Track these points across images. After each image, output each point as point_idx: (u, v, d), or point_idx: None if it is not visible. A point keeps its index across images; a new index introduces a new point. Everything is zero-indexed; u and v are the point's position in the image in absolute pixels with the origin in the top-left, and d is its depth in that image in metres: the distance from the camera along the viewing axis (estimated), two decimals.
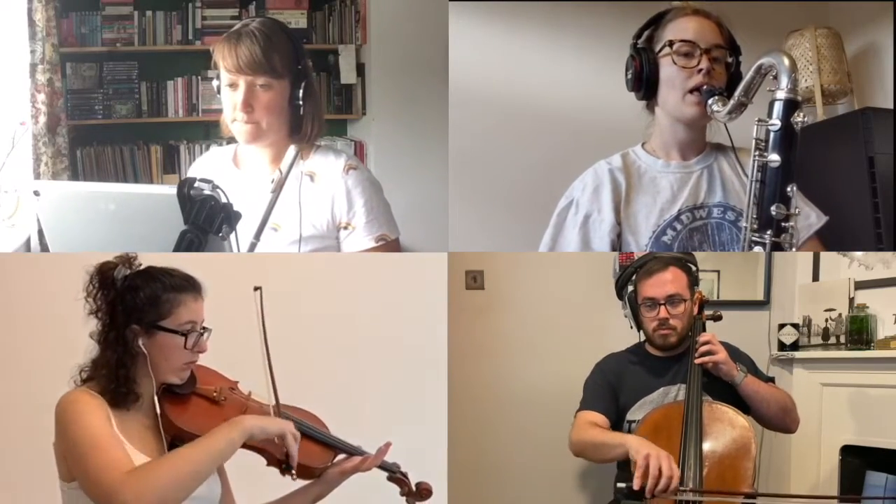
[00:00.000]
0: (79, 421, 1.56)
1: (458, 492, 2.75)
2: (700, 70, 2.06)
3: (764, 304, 3.21)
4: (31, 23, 3.44)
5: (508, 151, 3.16)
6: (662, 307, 2.34)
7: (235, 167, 2.32)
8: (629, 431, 2.28)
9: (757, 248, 1.89)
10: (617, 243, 2.16)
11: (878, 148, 2.74)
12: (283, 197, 2.21)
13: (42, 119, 3.49)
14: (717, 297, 3.16)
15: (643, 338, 2.45)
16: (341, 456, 1.83)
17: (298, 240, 2.22)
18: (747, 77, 1.92)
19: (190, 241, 1.74)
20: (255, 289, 1.71)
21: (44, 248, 2.61)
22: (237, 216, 1.80)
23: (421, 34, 3.86)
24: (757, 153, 1.86)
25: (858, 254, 2.95)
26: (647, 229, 2.13)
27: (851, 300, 2.98)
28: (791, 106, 1.82)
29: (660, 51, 2.12)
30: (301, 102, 2.20)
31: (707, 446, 2.08)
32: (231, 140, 2.32)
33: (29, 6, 3.43)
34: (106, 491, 1.49)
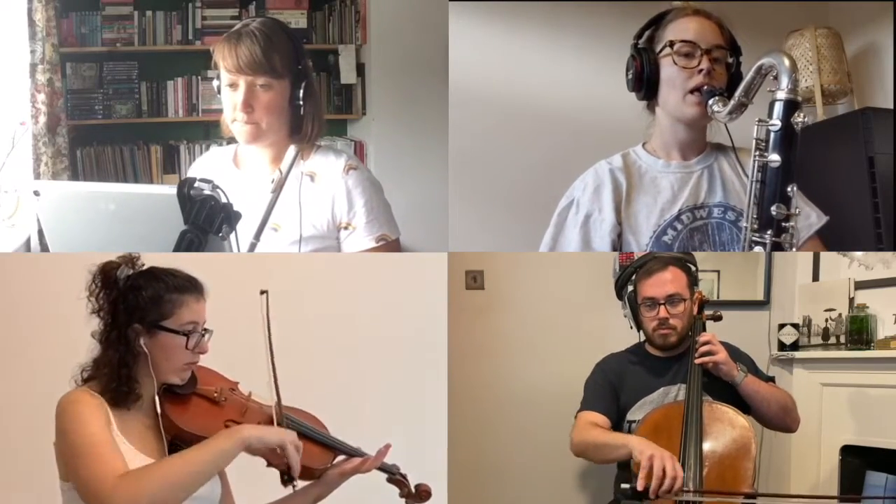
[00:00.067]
0: (75, 422, 1.56)
1: (458, 492, 2.75)
2: (700, 70, 2.06)
3: (764, 304, 3.21)
4: (31, 23, 3.44)
5: (508, 151, 3.16)
6: (662, 307, 2.34)
7: (236, 167, 2.32)
8: (629, 431, 2.28)
9: (757, 248, 1.89)
10: (617, 243, 2.16)
11: (878, 148, 2.74)
12: (283, 197, 2.20)
13: (42, 119, 3.49)
14: (717, 297, 3.16)
15: (643, 338, 2.45)
16: (341, 457, 1.83)
17: (299, 240, 2.22)
18: (748, 77, 1.92)
19: (190, 241, 1.74)
20: (262, 292, 1.70)
21: (44, 248, 2.61)
22: (237, 216, 1.80)
23: (421, 34, 3.86)
24: (757, 153, 1.87)
25: (858, 254, 2.95)
26: (648, 229, 2.13)
27: (851, 300, 2.98)
28: (791, 106, 1.82)
29: (660, 51, 2.12)
30: (301, 102, 2.20)
31: (707, 446, 2.08)
32: (231, 140, 2.32)
33: (29, 6, 3.43)
34: (97, 494, 1.50)
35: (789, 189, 1.85)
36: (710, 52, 2.08)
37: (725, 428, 2.12)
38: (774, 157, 1.84)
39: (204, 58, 3.94)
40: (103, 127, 4.06)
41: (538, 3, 3.17)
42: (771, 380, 2.41)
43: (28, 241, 3.38)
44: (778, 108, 1.83)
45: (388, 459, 1.84)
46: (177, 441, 1.68)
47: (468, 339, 3.09)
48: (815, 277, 3.15)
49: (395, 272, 2.54)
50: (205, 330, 1.70)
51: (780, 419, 2.31)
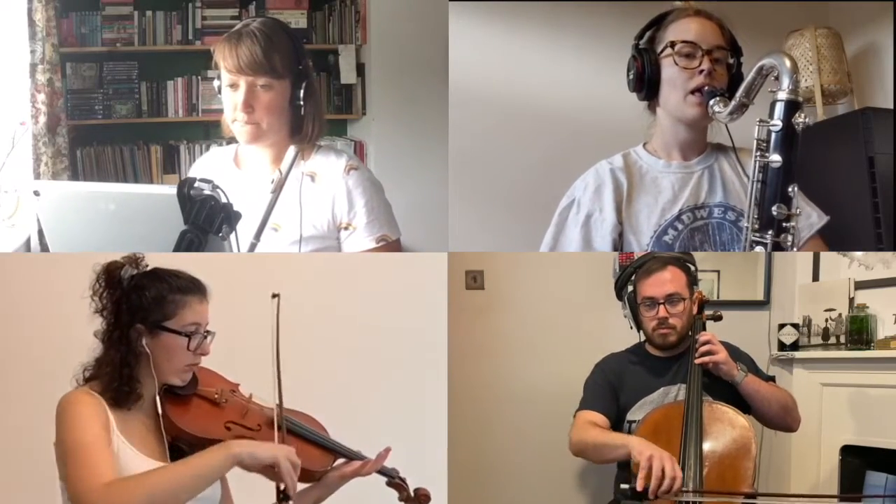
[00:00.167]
0: (71, 424, 1.57)
1: (458, 492, 2.75)
2: (701, 71, 2.06)
3: (764, 304, 3.21)
4: (31, 23, 3.44)
5: (508, 151, 3.16)
6: (661, 306, 2.34)
7: (236, 167, 2.32)
8: (629, 431, 2.29)
9: (758, 248, 1.89)
10: (618, 243, 2.16)
11: (878, 148, 2.74)
12: (283, 197, 2.20)
13: (42, 119, 3.49)
14: (717, 297, 3.16)
15: (643, 338, 2.45)
16: (341, 460, 1.83)
17: (299, 240, 2.22)
18: (748, 78, 1.93)
19: (190, 241, 1.74)
20: (274, 296, 1.70)
21: (44, 248, 2.62)
22: (237, 216, 1.80)
23: (421, 34, 3.86)
24: (758, 153, 1.87)
25: (858, 254, 2.95)
26: (649, 229, 2.14)
27: (851, 300, 2.98)
28: (792, 107, 1.82)
29: (661, 51, 2.12)
30: (302, 103, 2.20)
31: (707, 446, 2.08)
32: (232, 140, 2.32)
33: (29, 6, 3.43)
34: (81, 499, 1.51)
35: (790, 189, 1.85)
36: (711, 53, 2.08)
37: (725, 428, 2.12)
38: (775, 158, 1.84)
39: (204, 58, 3.94)
40: (103, 127, 4.07)
41: (538, 3, 3.17)
42: (771, 379, 2.41)
43: (28, 241, 3.38)
44: (779, 108, 1.83)
45: (388, 462, 1.84)
46: (177, 442, 1.69)
47: (468, 339, 3.09)
48: (815, 277, 3.15)
49: (395, 272, 2.54)
50: (207, 332, 1.70)
51: (781, 419, 2.31)
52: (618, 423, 2.36)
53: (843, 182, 2.75)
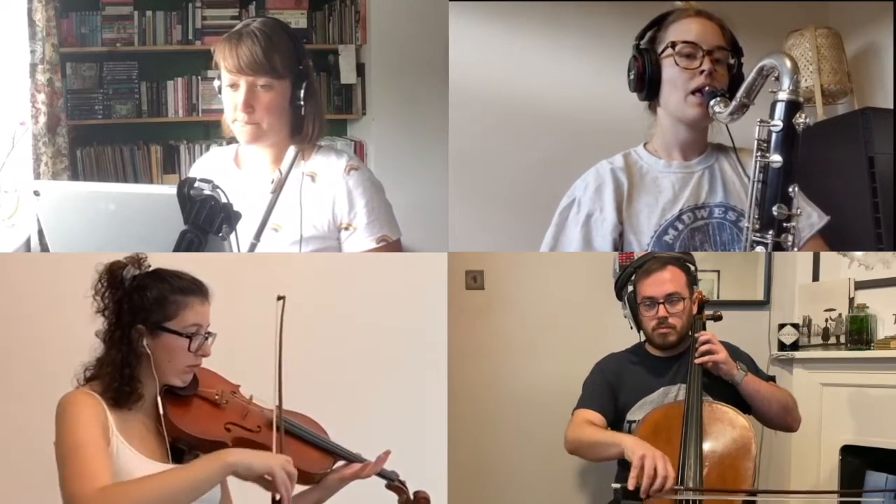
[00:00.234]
0: (68, 425, 1.57)
1: (458, 492, 2.75)
2: (702, 71, 2.06)
3: (764, 304, 3.21)
4: (31, 23, 3.44)
5: (508, 151, 3.16)
6: (661, 306, 2.34)
7: (237, 167, 2.32)
8: (629, 431, 2.29)
9: (759, 248, 1.89)
10: (619, 242, 2.16)
11: (878, 148, 2.74)
12: (283, 197, 2.20)
13: (42, 119, 3.49)
14: (717, 297, 3.16)
15: (643, 338, 2.45)
16: (340, 462, 1.83)
17: (299, 240, 2.22)
18: (749, 78, 1.93)
19: (190, 241, 1.74)
20: (279, 298, 1.70)
21: (44, 248, 2.62)
22: (237, 216, 1.80)
23: (421, 34, 3.86)
24: (759, 154, 1.87)
25: (858, 254, 2.95)
26: (649, 229, 2.14)
27: (851, 300, 2.98)
28: (793, 107, 1.83)
29: (662, 52, 2.12)
30: (302, 103, 2.20)
31: (707, 446, 2.08)
32: (232, 140, 2.32)
33: (29, 6, 3.43)
34: (75, 503, 1.51)
35: (791, 189, 1.85)
36: (712, 53, 2.08)
37: (725, 428, 2.12)
38: (776, 158, 1.84)
39: (204, 58, 3.95)
40: (103, 127, 4.07)
41: (538, 3, 3.17)
42: (771, 379, 2.41)
43: (28, 241, 3.38)
44: (779, 108, 1.83)
45: (388, 463, 1.84)
46: (177, 443, 1.69)
47: (468, 339, 3.09)
48: (815, 277, 3.15)
49: (395, 272, 2.54)
50: (208, 333, 1.70)
51: (781, 418, 2.31)
52: (618, 423, 2.36)
53: (843, 182, 2.75)
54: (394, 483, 1.87)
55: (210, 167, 2.33)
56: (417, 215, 2.79)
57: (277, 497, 1.62)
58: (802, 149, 1.85)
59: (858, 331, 2.87)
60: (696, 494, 1.98)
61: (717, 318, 2.39)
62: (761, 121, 1.87)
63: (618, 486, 1.99)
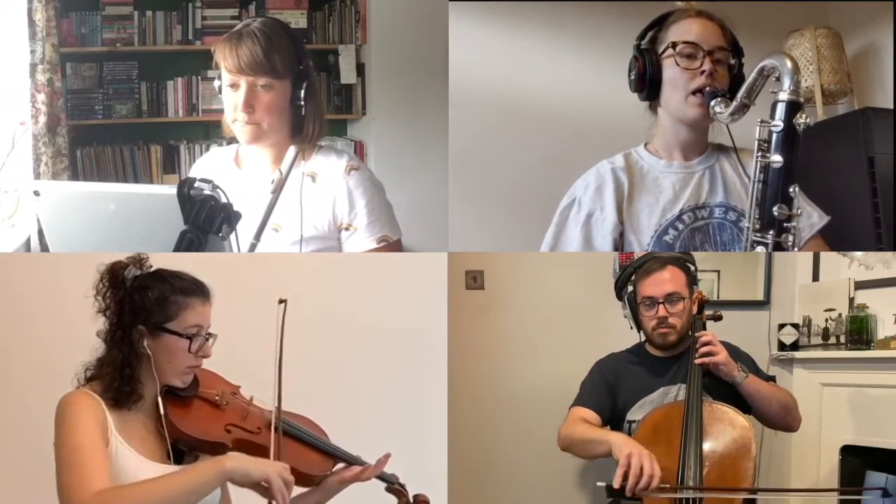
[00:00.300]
0: (67, 427, 1.57)
1: (459, 492, 2.75)
2: (703, 72, 2.07)
3: (764, 304, 3.21)
4: (31, 23, 3.44)
5: (508, 151, 3.16)
6: (661, 306, 2.34)
7: (237, 167, 2.32)
8: (629, 431, 2.29)
9: (759, 248, 1.89)
10: (619, 242, 2.16)
11: (878, 148, 2.75)
12: (284, 197, 2.20)
13: (42, 119, 3.49)
14: (717, 297, 3.16)
15: (643, 338, 2.45)
16: (340, 465, 1.83)
17: (299, 240, 2.22)
18: (750, 79, 1.93)
19: (190, 241, 1.74)
20: (280, 301, 1.69)
21: (44, 248, 2.62)
22: (237, 216, 1.80)
23: (421, 34, 3.85)
24: (759, 154, 1.87)
25: (858, 254, 2.95)
26: (650, 228, 2.14)
27: (851, 300, 2.98)
28: (793, 107, 1.83)
29: (663, 52, 2.13)
30: (302, 103, 2.19)
31: (707, 446, 2.08)
32: (232, 140, 2.32)
33: (29, 6, 3.43)
34: None
35: (791, 189, 1.85)
36: (713, 54, 2.08)
37: (725, 428, 2.12)
38: (777, 158, 1.85)
39: (204, 58, 3.95)
40: (103, 127, 4.07)
41: (538, 3, 3.17)
42: (772, 379, 2.41)
43: (28, 241, 3.38)
44: (780, 109, 1.84)
45: (388, 466, 1.84)
46: (177, 444, 1.69)
47: (468, 339, 3.09)
48: (815, 277, 3.15)
49: (395, 272, 2.54)
50: (209, 334, 1.70)
51: (782, 418, 2.31)
52: (618, 423, 2.36)
53: (843, 182, 2.75)
54: (394, 486, 1.87)
55: (210, 167, 2.33)
56: (417, 215, 2.79)
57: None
58: (802, 149, 1.85)
59: (858, 331, 2.87)
60: (694, 493, 1.98)
61: (717, 318, 2.39)
62: (762, 121, 1.87)
63: (603, 484, 1.99)
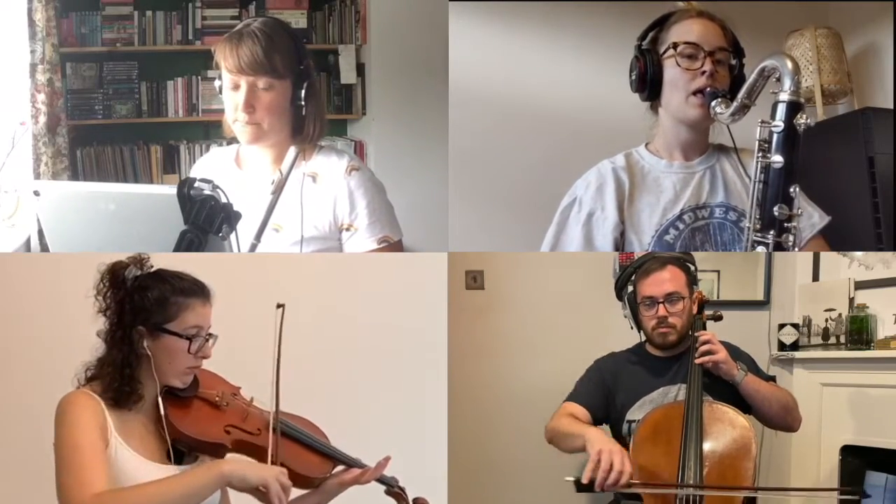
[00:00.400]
0: (67, 428, 1.58)
1: (459, 492, 2.75)
2: (703, 72, 2.07)
3: (764, 304, 3.21)
4: (31, 23, 3.44)
5: (508, 151, 3.16)
6: (661, 305, 2.34)
7: (237, 168, 2.31)
8: (629, 431, 2.29)
9: (760, 248, 1.90)
10: (620, 242, 2.16)
11: (878, 148, 2.75)
12: (284, 198, 2.20)
13: (42, 119, 3.49)
14: (717, 297, 3.17)
15: (643, 338, 2.45)
16: (340, 467, 1.83)
17: (300, 241, 2.21)
18: (750, 79, 1.93)
19: (190, 241, 1.74)
20: (279, 306, 1.69)
21: (44, 248, 2.62)
22: (237, 216, 1.80)
23: (421, 34, 3.85)
24: (760, 154, 1.88)
25: (858, 254, 2.95)
26: (650, 228, 2.14)
27: (851, 300, 2.98)
28: (794, 108, 1.83)
29: (664, 53, 2.13)
30: (303, 103, 2.19)
31: (707, 446, 2.08)
32: (233, 140, 2.31)
33: (29, 6, 3.43)
34: None
35: (792, 190, 1.86)
36: (714, 54, 2.08)
37: (726, 428, 2.12)
38: (777, 159, 1.85)
39: (204, 58, 3.95)
40: (103, 127, 4.07)
41: (538, 3, 3.17)
42: (772, 379, 2.41)
43: (28, 241, 3.38)
44: (781, 109, 1.84)
45: (388, 469, 1.84)
46: (176, 444, 1.69)
47: (468, 339, 3.09)
48: (815, 277, 3.15)
49: (395, 272, 2.54)
50: (209, 334, 1.70)
51: (782, 418, 2.31)
52: (617, 423, 2.36)
53: (843, 182, 2.75)
54: (393, 489, 1.87)
55: (211, 167, 2.32)
56: (417, 215, 2.79)
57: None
58: (803, 149, 1.86)
59: (858, 331, 2.87)
60: (696, 490, 1.98)
61: (717, 318, 2.39)
62: (762, 121, 1.87)
63: (571, 478, 2.00)
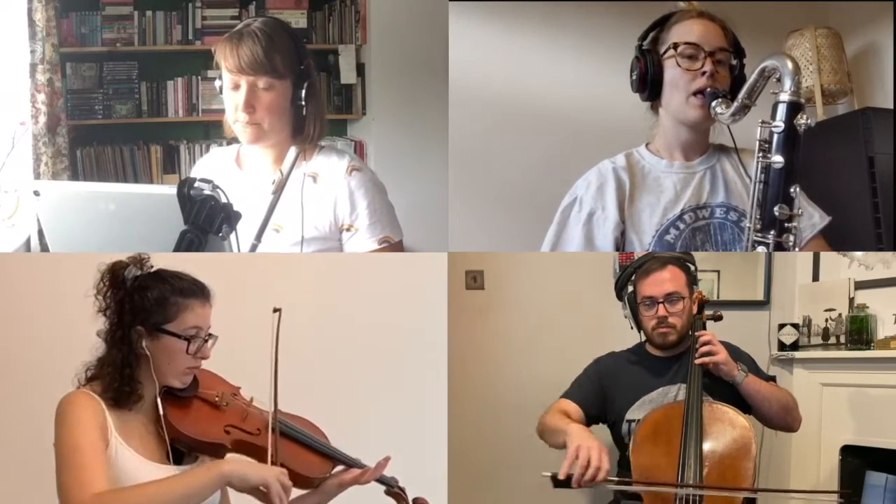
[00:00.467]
0: (67, 428, 1.58)
1: (459, 493, 2.75)
2: (704, 73, 2.07)
3: (764, 304, 3.21)
4: (31, 23, 3.44)
5: (508, 151, 3.16)
6: (661, 305, 2.34)
7: (238, 168, 2.31)
8: (629, 431, 2.29)
9: (760, 248, 1.90)
10: (620, 241, 2.16)
11: (878, 148, 2.75)
12: (285, 198, 2.20)
13: (42, 119, 3.49)
14: (717, 297, 3.17)
15: (643, 338, 2.45)
16: (339, 467, 1.83)
17: (300, 241, 2.21)
18: (751, 80, 1.93)
19: (190, 241, 1.74)
20: (275, 310, 1.69)
21: (44, 248, 2.62)
22: (237, 216, 1.80)
23: (421, 34, 3.86)
24: (760, 154, 1.88)
25: (858, 254, 2.95)
26: (651, 228, 2.14)
27: (851, 300, 2.98)
28: (794, 108, 1.84)
29: (664, 53, 2.13)
30: (303, 103, 2.19)
31: (707, 446, 2.08)
32: (233, 140, 2.31)
33: (29, 6, 3.43)
34: None
35: (792, 190, 1.86)
36: (714, 55, 2.08)
37: (725, 428, 2.12)
38: (778, 159, 1.85)
39: (204, 58, 3.95)
40: (103, 127, 4.07)
41: (538, 3, 3.17)
42: (772, 379, 2.41)
43: (28, 241, 3.38)
44: (781, 109, 1.84)
45: (388, 469, 1.84)
46: (176, 444, 1.69)
47: (468, 339, 3.09)
48: (815, 277, 3.15)
49: (395, 272, 2.54)
50: (209, 335, 1.70)
51: (782, 418, 2.31)
52: (617, 422, 2.36)
53: (843, 182, 2.75)
54: (393, 489, 1.87)
55: (211, 167, 2.32)
56: (417, 215, 2.79)
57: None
58: (803, 149, 1.86)
59: (858, 331, 2.87)
60: (696, 490, 1.98)
61: (718, 318, 2.39)
62: (763, 122, 1.87)
63: (548, 474, 2.00)
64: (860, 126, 2.78)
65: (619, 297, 2.50)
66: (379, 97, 4.21)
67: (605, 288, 2.57)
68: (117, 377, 1.63)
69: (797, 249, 1.91)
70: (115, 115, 4.07)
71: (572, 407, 2.34)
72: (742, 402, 2.25)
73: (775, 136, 1.85)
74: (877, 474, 2.78)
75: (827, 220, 2.19)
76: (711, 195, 2.16)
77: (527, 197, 3.05)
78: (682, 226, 2.14)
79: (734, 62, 2.12)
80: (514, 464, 3.10)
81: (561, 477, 1.97)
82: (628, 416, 2.35)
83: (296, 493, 1.75)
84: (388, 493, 1.87)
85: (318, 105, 2.23)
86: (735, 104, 1.98)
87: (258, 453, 1.71)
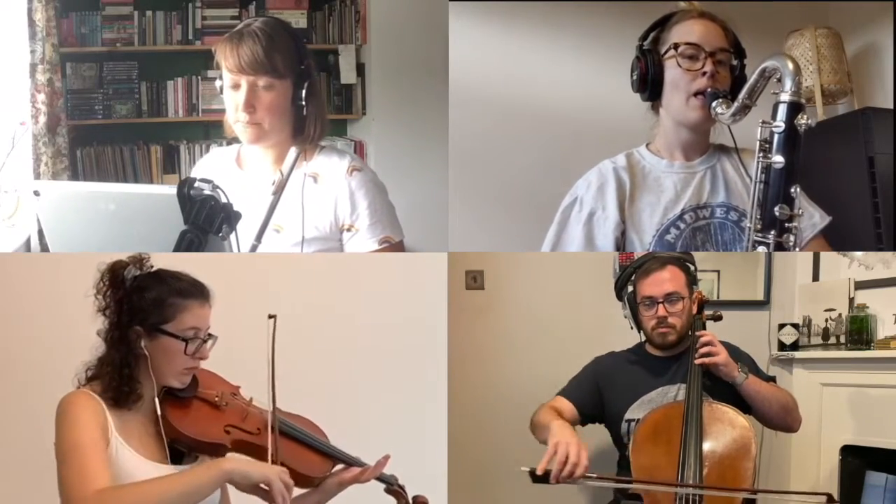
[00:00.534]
0: (69, 427, 1.57)
1: (458, 493, 2.75)
2: (704, 73, 2.07)
3: (764, 304, 3.21)
4: (31, 23, 3.44)
5: (508, 151, 3.16)
6: (661, 305, 2.34)
7: (238, 168, 2.31)
8: (629, 431, 2.29)
9: (760, 248, 1.90)
10: (621, 241, 2.16)
11: (878, 148, 2.75)
12: (285, 198, 2.19)
13: (42, 119, 3.49)
14: (717, 297, 3.17)
15: (643, 338, 2.45)
16: (339, 466, 1.83)
17: (301, 241, 2.21)
18: (751, 80, 1.94)
19: (190, 241, 1.74)
20: (270, 317, 1.69)
21: (44, 248, 2.62)
22: (237, 216, 1.80)
23: (421, 34, 3.86)
24: (761, 154, 1.88)
25: (858, 254, 2.95)
26: (651, 227, 2.14)
27: (851, 300, 2.98)
28: (795, 108, 1.84)
29: (665, 53, 2.13)
30: (304, 103, 2.19)
31: (707, 446, 2.08)
32: (233, 140, 2.31)
33: (29, 6, 3.43)
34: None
35: (793, 190, 1.86)
36: (715, 55, 2.08)
37: (725, 428, 2.12)
38: (778, 159, 1.85)
39: (204, 58, 3.96)
40: (103, 127, 4.07)
41: (538, 3, 3.17)
42: (772, 379, 2.41)
43: (28, 241, 3.38)
44: (781, 110, 1.85)
45: (388, 466, 1.84)
46: (175, 444, 1.69)
47: (468, 339, 3.09)
48: (815, 277, 3.15)
49: (395, 272, 2.54)
50: (209, 335, 1.70)
51: (782, 419, 2.31)
52: (615, 422, 2.36)
53: (843, 182, 2.75)
54: (393, 487, 1.87)
55: (212, 167, 2.32)
56: (417, 215, 2.79)
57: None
58: (803, 149, 1.86)
59: (858, 331, 2.87)
60: (691, 490, 1.98)
61: (717, 318, 2.39)
62: (763, 122, 1.88)
63: (526, 469, 2.00)
64: (860, 126, 2.78)
65: (619, 297, 2.50)
66: (379, 97, 4.21)
67: (605, 288, 2.56)
68: (116, 377, 1.63)
69: (797, 249, 1.91)
70: (115, 115, 4.07)
71: (566, 405, 2.35)
72: (742, 403, 2.25)
73: (776, 137, 1.85)
74: (877, 474, 2.78)
75: (827, 220, 2.19)
76: (712, 195, 2.16)
77: (527, 197, 3.05)
78: (682, 226, 2.14)
79: (735, 62, 2.12)
80: (514, 463, 3.09)
81: (539, 472, 1.97)
82: (627, 415, 2.35)
83: (296, 492, 1.75)
84: (387, 491, 1.87)
85: (318, 105, 2.23)
86: (735, 104, 1.98)
87: (258, 453, 1.71)
